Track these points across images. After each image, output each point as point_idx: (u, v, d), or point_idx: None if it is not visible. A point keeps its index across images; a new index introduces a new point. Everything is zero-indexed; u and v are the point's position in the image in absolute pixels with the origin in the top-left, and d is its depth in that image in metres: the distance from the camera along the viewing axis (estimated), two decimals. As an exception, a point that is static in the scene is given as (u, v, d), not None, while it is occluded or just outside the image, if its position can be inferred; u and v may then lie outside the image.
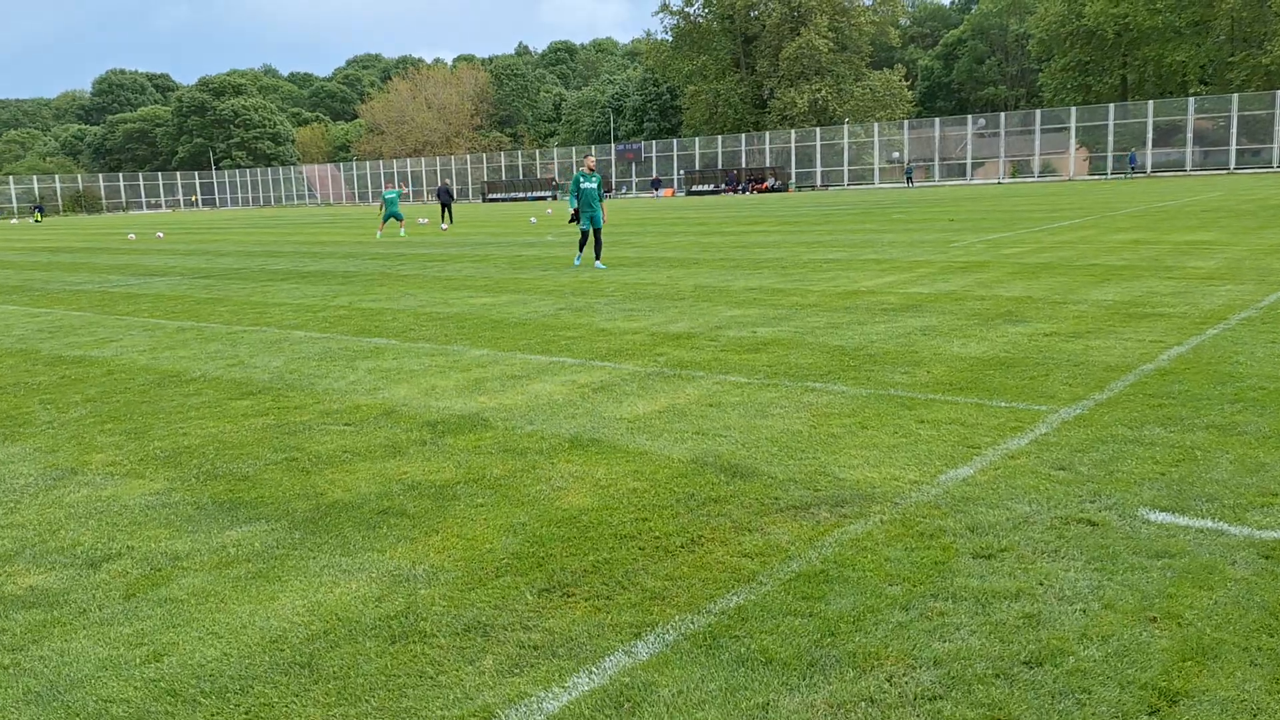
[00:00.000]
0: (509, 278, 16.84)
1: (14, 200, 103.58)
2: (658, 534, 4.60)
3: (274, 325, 12.18)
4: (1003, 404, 6.65)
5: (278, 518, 5.09)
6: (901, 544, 4.33)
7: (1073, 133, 66.80)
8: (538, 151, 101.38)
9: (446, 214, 38.30)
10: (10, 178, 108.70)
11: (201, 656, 3.64)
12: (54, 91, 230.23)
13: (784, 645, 3.49)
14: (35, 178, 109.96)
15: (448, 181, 67.20)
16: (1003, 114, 73.03)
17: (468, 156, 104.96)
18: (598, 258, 17.95)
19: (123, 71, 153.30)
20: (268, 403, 7.80)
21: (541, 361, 9.03)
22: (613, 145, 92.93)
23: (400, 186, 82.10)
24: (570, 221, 18.26)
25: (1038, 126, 68.28)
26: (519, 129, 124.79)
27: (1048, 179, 65.91)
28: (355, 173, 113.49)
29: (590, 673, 3.38)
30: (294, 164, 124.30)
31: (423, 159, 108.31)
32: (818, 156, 76.99)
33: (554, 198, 79.23)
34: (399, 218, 32.14)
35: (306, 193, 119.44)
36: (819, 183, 76.15)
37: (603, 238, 18.56)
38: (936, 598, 3.80)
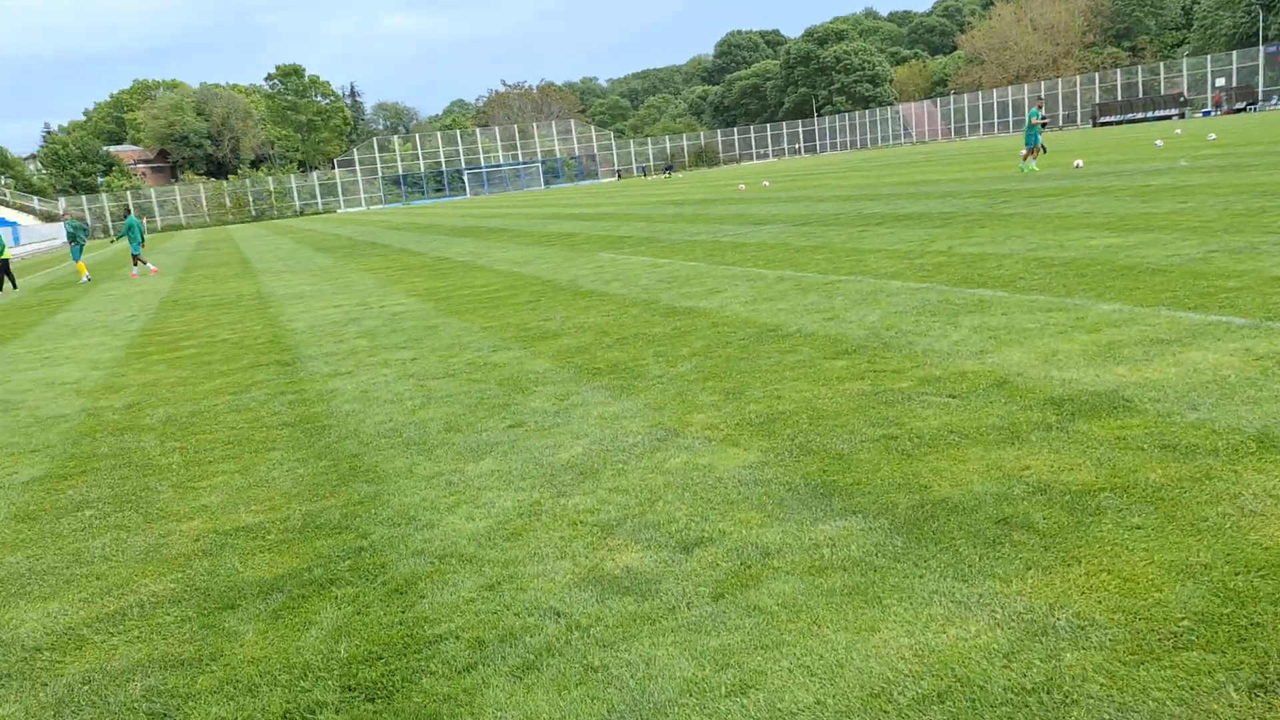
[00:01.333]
0: (1136, 213, 14.44)
1: (650, 159, 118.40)
2: None
3: (869, 274, 11.64)
4: None
5: (876, 513, 4.38)
6: None
7: None
8: (1161, 65, 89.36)
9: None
10: (648, 139, 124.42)
11: (793, 699, 3.04)
12: (684, 58, 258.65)
13: None
14: (667, 137, 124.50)
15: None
16: None
17: (1076, 78, 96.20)
18: None
19: (739, 32, 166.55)
20: (863, 364, 7.19)
21: (1195, 321, 7.22)
22: (1260, 47, 78.34)
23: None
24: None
25: None
26: (1138, 41, 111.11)
27: None
28: (952, 107, 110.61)
29: None
30: (890, 104, 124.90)
31: (1025, 85, 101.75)
32: None
33: (1180, 116, 69.16)
34: (1044, 148, 29.66)
35: (902, 132, 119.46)
36: None
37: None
38: None
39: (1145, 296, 8.34)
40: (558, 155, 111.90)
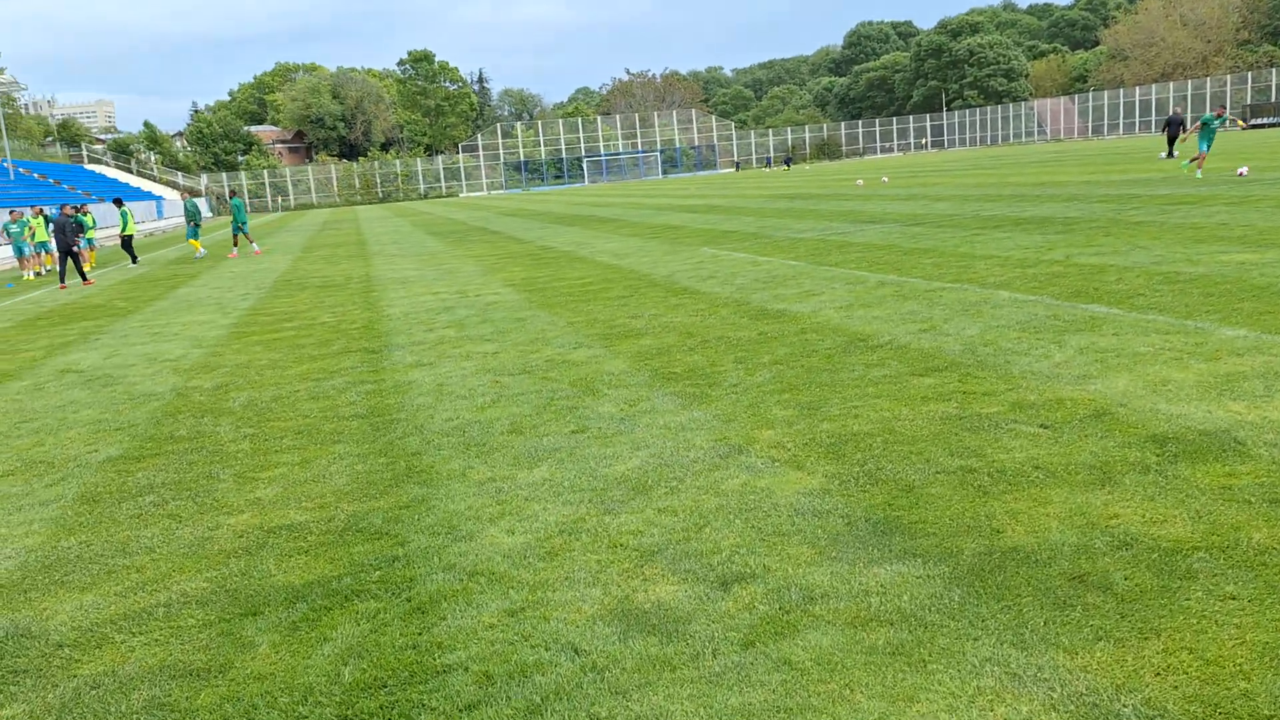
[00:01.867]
0: (1278, 226, 13.34)
1: (771, 150, 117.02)
2: None
3: (976, 283, 11.02)
4: None
5: (938, 558, 4.00)
6: None
7: None
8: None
9: (1178, 146, 32.93)
10: (769, 130, 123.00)
11: (802, 778, 2.73)
12: (811, 48, 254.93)
13: None
14: (789, 129, 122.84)
15: (1179, 110, 58.62)
16: None
17: (1227, 77, 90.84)
18: None
19: (870, 23, 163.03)
20: (952, 383, 6.72)
21: (1332, 354, 6.51)
22: None
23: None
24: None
25: None
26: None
27: None
28: (1090, 104, 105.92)
29: None
30: (1025, 100, 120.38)
31: (1170, 83, 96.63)
32: None
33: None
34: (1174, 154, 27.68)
35: (1035, 129, 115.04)
36: None
37: None
38: None
39: (1276, 323, 7.60)
40: (677, 145, 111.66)
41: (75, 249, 23.71)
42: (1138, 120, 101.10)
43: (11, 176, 59.27)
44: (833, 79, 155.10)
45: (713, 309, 11.00)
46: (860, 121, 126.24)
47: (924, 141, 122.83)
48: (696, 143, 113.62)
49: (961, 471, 4.99)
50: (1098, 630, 3.33)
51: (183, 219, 31.05)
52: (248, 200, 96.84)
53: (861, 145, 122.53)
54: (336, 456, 6.37)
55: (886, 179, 43.13)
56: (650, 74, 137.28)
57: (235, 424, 7.53)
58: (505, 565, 4.36)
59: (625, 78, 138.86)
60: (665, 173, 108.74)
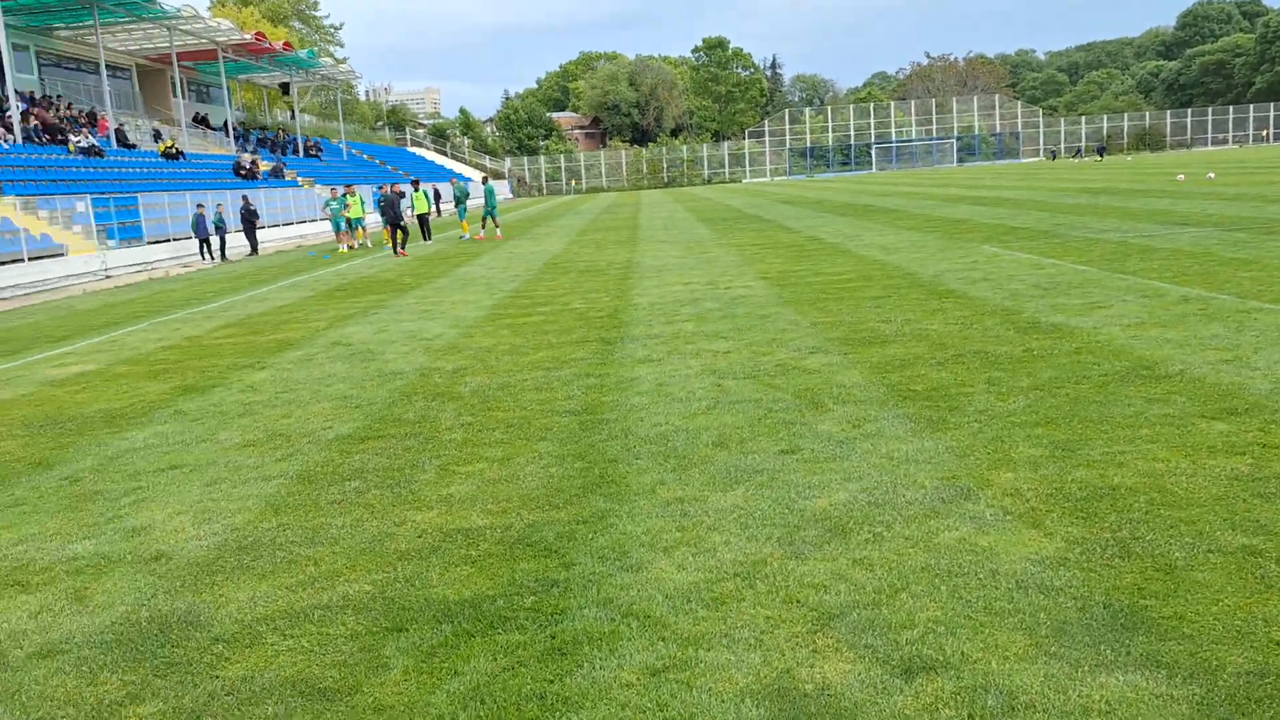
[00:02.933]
0: None
1: (1083, 139, 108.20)
2: None
3: (1308, 303, 9.25)
4: None
5: (1190, 672, 3.13)
6: None
7: None
8: None
9: None
10: (1082, 118, 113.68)
11: None
12: (1139, 29, 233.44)
13: None
14: (1104, 117, 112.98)
15: None
16: None
17: None
18: None
19: (1209, 3, 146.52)
20: (1252, 432, 5.52)
21: None
22: None
23: None
24: None
25: None
26: None
27: None
28: None
29: None
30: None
31: None
32: None
33: None
34: None
35: None
36: None
37: None
38: None
39: None
40: (975, 132, 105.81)
41: (401, 222, 26.83)
42: None
43: (344, 157, 65.75)
44: (1160, 63, 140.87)
45: (976, 317, 9.95)
46: (1190, 110, 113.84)
47: (1264, 133, 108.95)
48: (998, 130, 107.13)
49: (1242, 553, 3.98)
50: None
51: (482, 200, 32.92)
52: (544, 183, 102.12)
53: (1189, 136, 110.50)
54: (536, 456, 6.17)
55: (1213, 175, 38.36)
56: (952, 57, 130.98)
57: (457, 411, 7.57)
58: (664, 608, 3.91)
59: (924, 61, 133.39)
60: (961, 161, 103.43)
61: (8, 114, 33.60)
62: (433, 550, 4.74)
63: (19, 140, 32.89)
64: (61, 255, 25.86)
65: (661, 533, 4.72)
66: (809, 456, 5.75)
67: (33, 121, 35.21)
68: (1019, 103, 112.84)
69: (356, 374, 9.48)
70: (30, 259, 24.47)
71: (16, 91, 35.19)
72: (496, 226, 31.59)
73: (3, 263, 23.49)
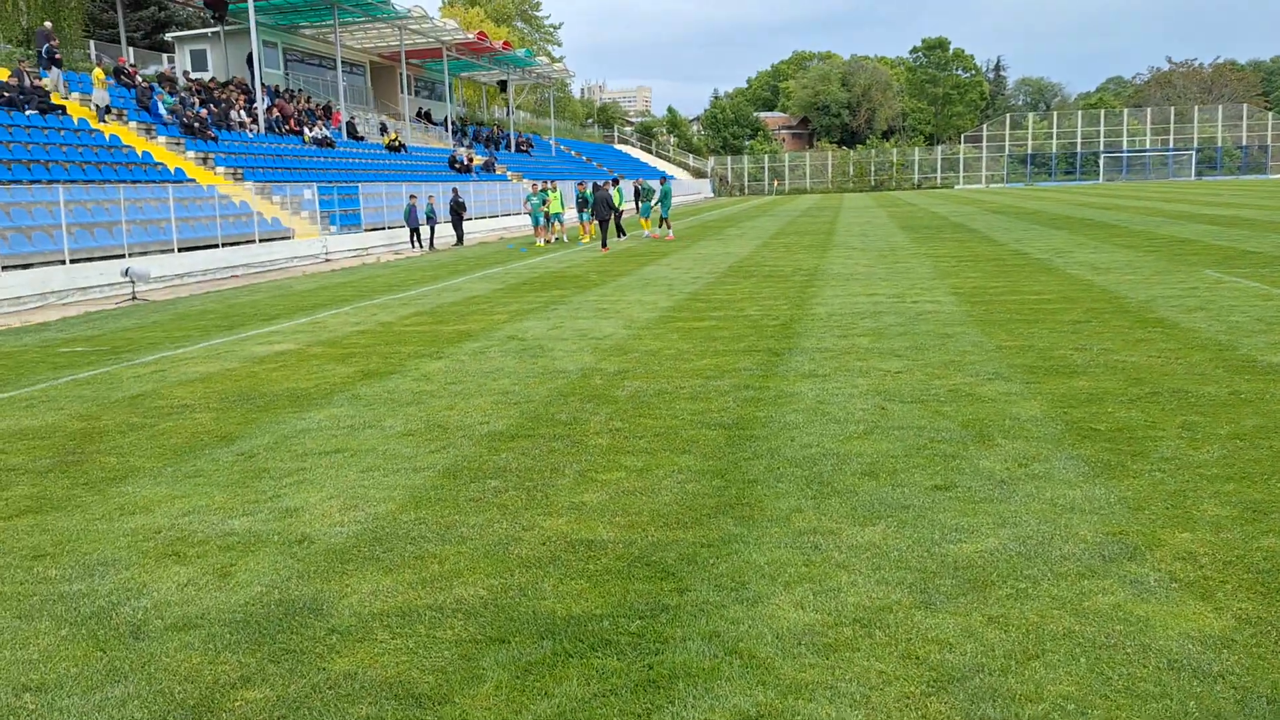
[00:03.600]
0: None
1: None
2: None
3: None
4: None
5: (1367, 806, 2.66)
6: None
7: None
8: None
9: None
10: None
11: None
12: None
13: None
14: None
15: None
16: None
17: None
18: None
19: None
20: None
21: None
22: None
23: None
24: None
25: None
26: None
27: None
28: None
29: None
30: None
31: None
32: None
33: None
34: None
35: None
36: None
37: None
38: None
39: None
40: (1218, 144, 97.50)
41: (606, 219, 27.60)
42: None
43: (553, 153, 67.86)
44: None
45: (1183, 351, 9.07)
46: None
47: None
48: (1245, 142, 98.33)
49: None
50: None
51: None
52: (746, 183, 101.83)
53: None
54: (676, 469, 6.06)
55: None
56: (1197, 63, 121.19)
57: (609, 415, 7.56)
58: (772, 649, 3.71)
59: (1166, 67, 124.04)
60: (1199, 175, 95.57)
61: (254, 106, 36.58)
62: (552, 560, 4.71)
63: (262, 130, 35.74)
64: (288, 238, 27.91)
65: (786, 565, 4.51)
66: (963, 495, 5.36)
67: (275, 113, 38.20)
68: (1270, 113, 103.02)
69: (523, 370, 9.66)
70: (261, 240, 26.54)
71: (264, 85, 38.28)
72: (669, 228, 31.72)
73: (237, 243, 25.58)
